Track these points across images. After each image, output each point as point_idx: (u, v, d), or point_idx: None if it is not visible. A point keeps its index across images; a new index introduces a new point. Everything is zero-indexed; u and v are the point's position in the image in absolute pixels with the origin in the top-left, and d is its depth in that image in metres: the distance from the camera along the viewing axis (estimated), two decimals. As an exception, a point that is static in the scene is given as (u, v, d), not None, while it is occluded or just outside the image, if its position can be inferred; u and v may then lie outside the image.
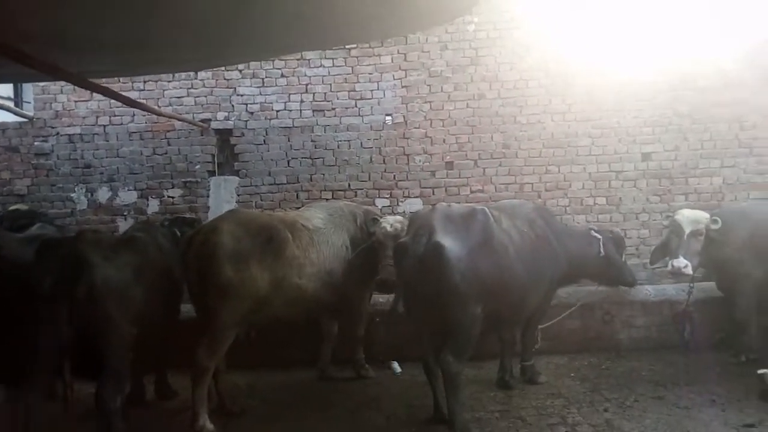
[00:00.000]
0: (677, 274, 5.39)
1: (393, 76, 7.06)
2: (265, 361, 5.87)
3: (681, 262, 5.29)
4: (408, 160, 7.06)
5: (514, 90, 7.03)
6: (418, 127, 7.05)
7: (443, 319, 4.04)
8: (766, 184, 6.97)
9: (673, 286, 6.27)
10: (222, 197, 7.11)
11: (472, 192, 7.00)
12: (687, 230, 5.41)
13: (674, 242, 5.51)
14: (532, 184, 7.04)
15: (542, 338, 5.65)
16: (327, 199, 6.81)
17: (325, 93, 7.08)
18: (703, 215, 5.48)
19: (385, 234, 5.11)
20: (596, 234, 5.42)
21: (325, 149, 7.09)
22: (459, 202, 6.01)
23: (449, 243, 3.96)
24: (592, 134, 7.03)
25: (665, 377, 5.38)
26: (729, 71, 6.93)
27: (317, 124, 7.10)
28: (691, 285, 5.71)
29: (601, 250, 5.32)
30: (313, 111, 7.10)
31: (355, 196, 7.01)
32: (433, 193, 7.04)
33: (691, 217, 5.47)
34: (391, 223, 5.20)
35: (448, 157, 7.04)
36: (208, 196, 7.16)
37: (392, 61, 7.05)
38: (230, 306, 4.43)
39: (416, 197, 7.06)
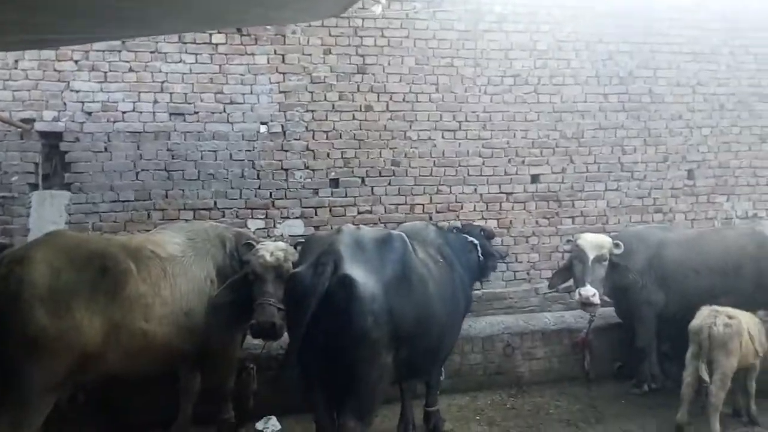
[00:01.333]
0: (586, 305, 5.01)
1: (269, 79, 6.11)
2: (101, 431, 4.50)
3: (589, 291, 4.92)
4: (287, 175, 6.12)
5: (404, 103, 6.43)
6: (299, 139, 6.15)
7: (346, 372, 3.14)
8: (645, 208, 7.04)
9: (571, 313, 5.99)
10: (47, 217, 5.60)
11: (359, 213, 6.22)
12: (591, 256, 5.09)
13: (578, 269, 5.16)
14: (423, 205, 6.44)
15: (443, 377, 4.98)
16: (187, 220, 5.63)
17: (185, 94, 5.93)
18: (606, 239, 5.21)
19: (264, 264, 4.10)
20: (473, 239, 4.88)
21: (186, 160, 5.90)
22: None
23: (361, 276, 3.11)
24: (483, 154, 6.64)
25: (574, 415, 4.95)
26: (609, 95, 6.98)
27: (175, 130, 5.90)
28: (593, 313, 5.39)
29: (480, 255, 4.81)
30: (171, 114, 5.90)
31: (223, 216, 5.90)
32: (316, 214, 6.15)
33: (594, 241, 5.16)
34: (271, 250, 4.19)
35: (332, 174, 6.21)
36: (28, 216, 5.60)
37: (268, 62, 6.11)
38: (43, 365, 3.16)
39: (297, 218, 6.11)
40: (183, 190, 5.87)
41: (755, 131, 7.35)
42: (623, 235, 5.55)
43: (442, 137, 6.53)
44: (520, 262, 6.76)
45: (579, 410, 5.03)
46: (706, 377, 4.29)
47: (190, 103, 5.93)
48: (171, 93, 5.89)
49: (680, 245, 5.23)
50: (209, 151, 5.95)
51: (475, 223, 5.46)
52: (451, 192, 6.52)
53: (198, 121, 5.95)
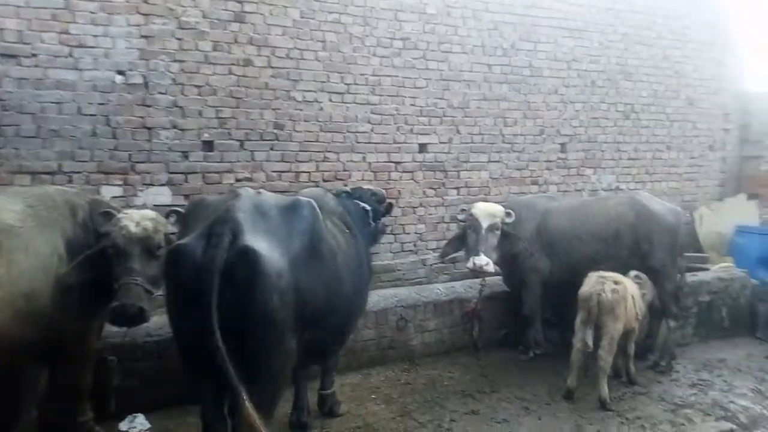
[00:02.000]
0: (479, 272, 4.94)
1: (127, 20, 5.19)
2: None
3: (482, 260, 4.85)
4: (150, 135, 5.28)
5: (288, 60, 5.85)
6: (164, 93, 5.33)
7: (245, 359, 2.63)
8: (523, 180, 7.20)
9: (461, 283, 5.92)
10: None
11: (237, 180, 5.58)
12: (485, 225, 5.02)
13: (472, 238, 5.07)
14: (309, 173, 5.96)
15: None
16: (25, 185, 4.64)
17: (20, 31, 4.84)
18: (499, 208, 5.17)
19: (128, 236, 3.41)
20: (364, 205, 4.47)
21: (21, 113, 4.84)
22: (222, 194, 4.58)
23: (265, 249, 2.61)
24: (372, 120, 6.30)
25: (469, 385, 4.87)
26: (493, 66, 6.97)
27: (7, 76, 4.81)
28: (483, 282, 5.36)
29: (371, 221, 4.46)
30: (1, 56, 4.79)
31: (70, 182, 4.96)
32: (187, 181, 5.41)
33: (488, 210, 5.09)
34: (136, 220, 3.48)
35: (205, 135, 5.48)
36: None
37: (127, 0, 5.19)
38: None
39: (162, 185, 5.33)
40: (18, 150, 4.82)
41: (620, 108, 7.82)
42: (512, 204, 5.56)
43: (330, 100, 6.07)
44: (408, 233, 6.59)
45: (472, 380, 4.97)
46: (590, 342, 4.38)
47: (26, 44, 4.85)
48: (2, 29, 4.77)
49: (565, 214, 5.34)
50: (52, 102, 4.94)
51: (365, 187, 5.06)
52: (338, 159, 6.12)
53: (37, 65, 4.89)
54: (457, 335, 5.65)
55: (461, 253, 5.45)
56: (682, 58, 8.26)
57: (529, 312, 5.39)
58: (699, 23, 8.31)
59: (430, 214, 6.66)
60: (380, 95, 6.35)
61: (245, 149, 5.65)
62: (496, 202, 6.13)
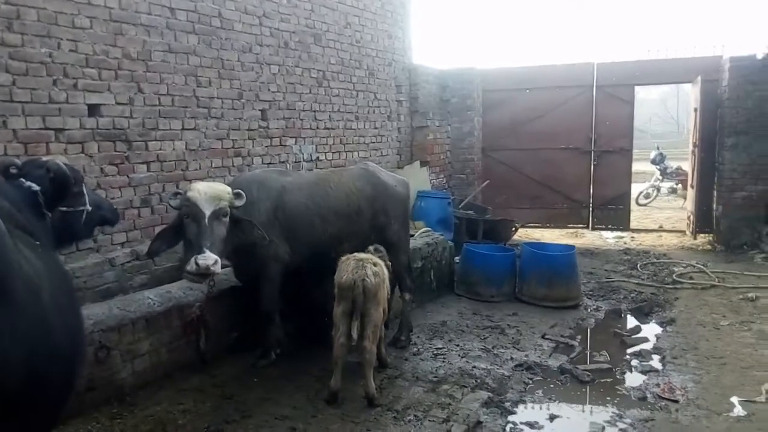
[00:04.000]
0: (204, 275, 3.81)
1: None
2: None
3: (209, 258, 3.73)
4: None
5: None
6: None
7: None
8: (225, 151, 6.17)
9: (178, 285, 4.62)
10: None
11: None
12: (207, 211, 3.89)
13: (192, 229, 3.89)
14: None
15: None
16: None
17: None
18: (224, 189, 4.09)
19: None
20: (30, 183, 2.71)
21: None
22: None
23: None
24: (12, 68, 4.34)
25: (212, 416, 3.77)
26: (176, 10, 5.64)
27: None
28: (212, 282, 4.25)
29: (45, 210, 2.87)
30: None
31: None
32: None
33: (210, 193, 3.95)
34: None
35: None
36: None
37: None
38: None
39: None
40: None
41: (313, 74, 7.42)
42: (239, 181, 4.54)
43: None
44: (81, 226, 4.87)
45: (213, 409, 3.88)
46: (356, 335, 3.85)
47: None
48: None
49: (303, 190, 4.60)
50: None
51: (42, 158, 3.22)
52: (-41, 124, 4.02)
53: None
54: (179, 352, 4.40)
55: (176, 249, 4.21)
56: (360, 26, 8.33)
57: (270, 307, 4.53)
58: (372, -8, 8.50)
59: (113, 198, 5.04)
60: (22, 33, 4.41)
61: None
62: (195, 179, 5.07)
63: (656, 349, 5.16)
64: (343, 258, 4.09)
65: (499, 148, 10.78)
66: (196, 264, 3.71)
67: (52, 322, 1.83)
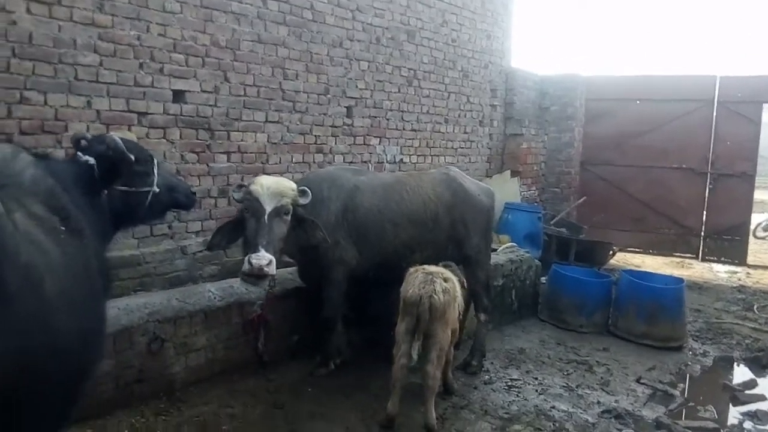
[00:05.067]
0: (258, 277, 3.52)
1: None
2: None
3: (262, 258, 3.45)
4: None
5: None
6: None
7: None
8: (308, 147, 5.98)
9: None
10: None
11: None
12: (269, 208, 3.63)
13: (251, 225, 3.64)
14: (-7, 118, 3.79)
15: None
16: None
17: None
18: (289, 185, 3.81)
19: None
20: (88, 158, 2.57)
21: None
22: None
23: None
24: (101, 49, 4.34)
25: (258, 426, 3.52)
26: (268, 0, 5.50)
27: None
28: (272, 283, 4.02)
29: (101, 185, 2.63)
30: None
31: None
32: None
33: (274, 188, 3.69)
34: None
35: None
36: None
37: None
38: None
39: None
40: None
41: (404, 72, 7.09)
42: (311, 178, 4.28)
43: (28, 11, 3.93)
44: (159, 212, 4.84)
45: (261, 417, 3.63)
46: (416, 356, 3.45)
47: None
48: None
49: (376, 192, 4.27)
50: None
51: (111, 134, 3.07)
52: (47, 102, 4.04)
53: None
54: (237, 350, 4.21)
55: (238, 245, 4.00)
56: (457, 25, 7.91)
57: (332, 313, 4.23)
58: (472, -11, 8.06)
59: (192, 186, 4.95)
60: (112, 15, 4.40)
61: None
62: (274, 173, 4.86)
63: (776, 411, 4.34)
64: (412, 270, 3.70)
65: (600, 162, 9.95)
66: (249, 264, 3.46)
67: (56, 317, 1.60)
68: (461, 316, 4.00)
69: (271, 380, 4.09)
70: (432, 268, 3.69)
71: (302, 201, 3.80)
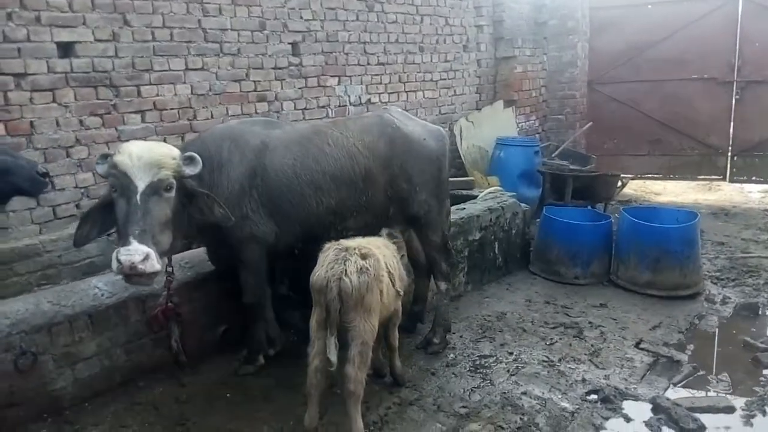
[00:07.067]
0: (132, 276, 2.76)
1: None
2: None
3: (135, 253, 2.68)
4: None
5: None
6: None
7: None
8: (245, 95, 5.14)
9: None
10: None
11: None
12: (141, 184, 2.84)
13: (121, 209, 2.86)
14: None
15: None
16: None
17: None
18: (168, 152, 2.98)
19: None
20: None
21: None
22: None
23: None
24: (-54, -2, 3.53)
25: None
26: None
27: None
28: (170, 268, 3.29)
29: None
30: None
31: None
32: None
33: (146, 157, 2.88)
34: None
35: None
36: None
37: None
38: None
39: None
40: None
41: (362, -5, 6.07)
42: (206, 138, 3.45)
43: None
44: (62, 189, 4.16)
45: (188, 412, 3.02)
46: (334, 357, 2.72)
47: None
48: None
49: (290, 149, 3.42)
50: None
51: None
52: None
53: None
54: (144, 353, 3.55)
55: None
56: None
57: (253, 299, 3.51)
58: None
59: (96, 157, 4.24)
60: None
61: None
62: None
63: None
64: (325, 246, 2.92)
65: (609, 80, 8.82)
66: (118, 261, 2.70)
67: None
68: (401, 293, 3.22)
69: (185, 385, 3.44)
70: (348, 243, 2.91)
71: (189, 171, 2.99)
